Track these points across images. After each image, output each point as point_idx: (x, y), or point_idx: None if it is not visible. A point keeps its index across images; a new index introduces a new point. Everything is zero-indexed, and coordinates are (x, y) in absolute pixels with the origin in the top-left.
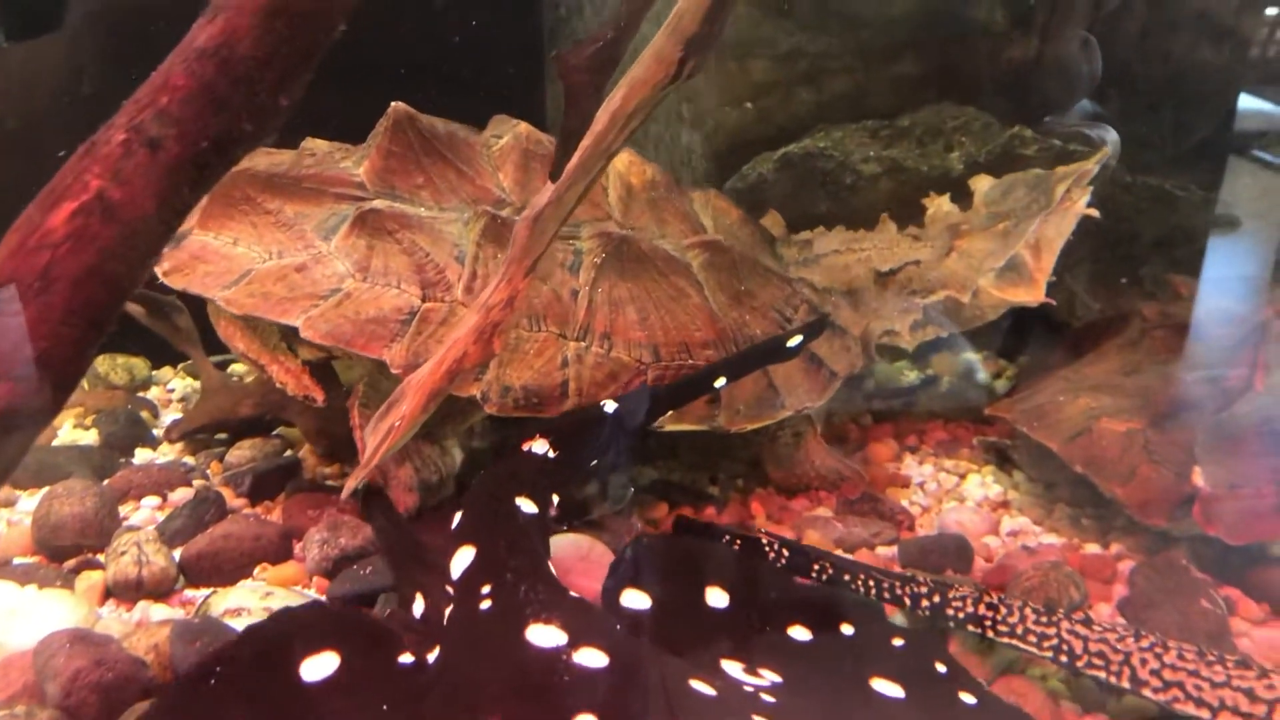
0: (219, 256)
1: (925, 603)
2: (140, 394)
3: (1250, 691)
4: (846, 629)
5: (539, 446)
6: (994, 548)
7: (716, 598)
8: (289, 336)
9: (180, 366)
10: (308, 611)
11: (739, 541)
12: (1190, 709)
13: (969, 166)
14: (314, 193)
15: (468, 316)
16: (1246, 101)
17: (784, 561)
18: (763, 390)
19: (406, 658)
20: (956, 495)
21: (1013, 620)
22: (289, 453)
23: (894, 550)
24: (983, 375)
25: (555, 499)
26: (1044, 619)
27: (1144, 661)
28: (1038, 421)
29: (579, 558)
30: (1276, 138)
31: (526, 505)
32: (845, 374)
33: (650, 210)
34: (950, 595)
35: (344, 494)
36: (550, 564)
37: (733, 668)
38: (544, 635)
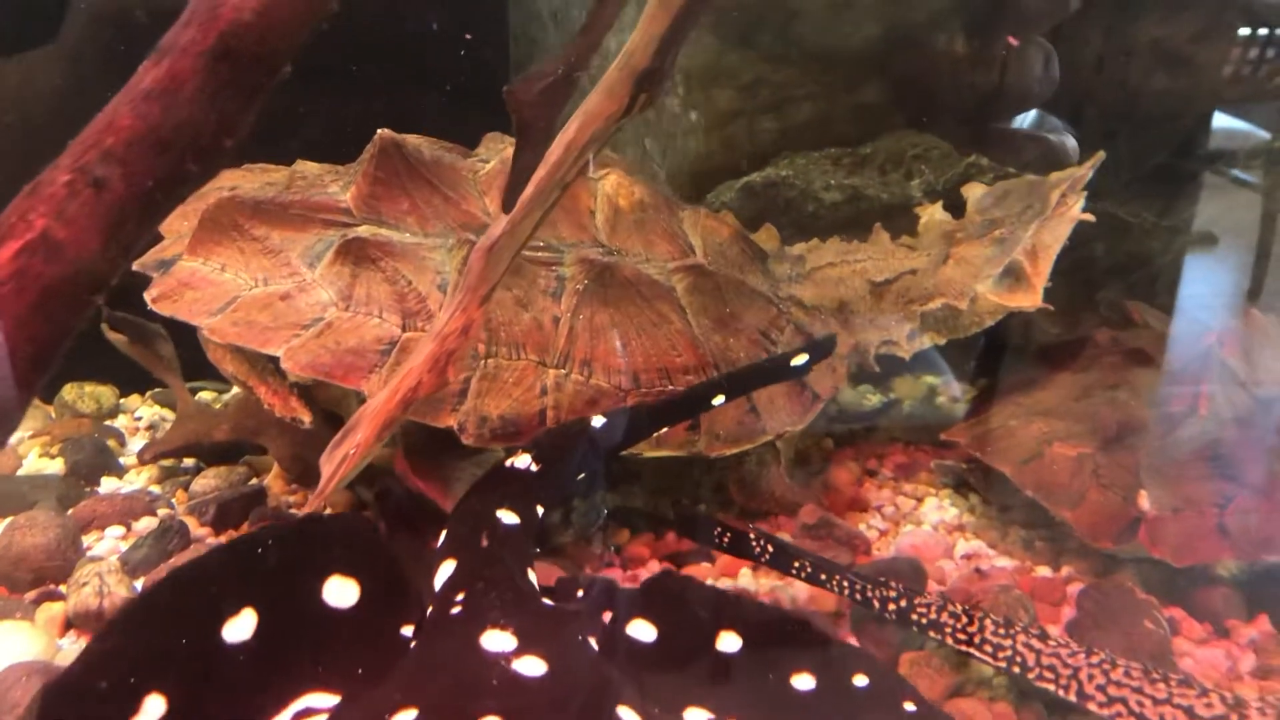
0: (206, 283)
1: (892, 606)
2: (107, 422)
3: (1190, 709)
4: (860, 680)
5: (521, 461)
6: (948, 571)
7: (728, 642)
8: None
9: (148, 394)
10: (345, 524)
11: (728, 535)
12: None
13: (928, 194)
14: (301, 219)
15: (423, 345)
16: (1204, 124)
17: (767, 556)
18: (743, 414)
19: (407, 630)
20: (914, 519)
21: (972, 629)
22: (254, 481)
23: None
24: (943, 399)
25: (540, 511)
26: (1001, 631)
27: (1091, 677)
28: (991, 446)
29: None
30: (1233, 158)
31: (509, 517)
32: (828, 396)
33: (637, 232)
34: (916, 601)
35: None
36: (532, 573)
37: (697, 715)
38: (496, 640)
